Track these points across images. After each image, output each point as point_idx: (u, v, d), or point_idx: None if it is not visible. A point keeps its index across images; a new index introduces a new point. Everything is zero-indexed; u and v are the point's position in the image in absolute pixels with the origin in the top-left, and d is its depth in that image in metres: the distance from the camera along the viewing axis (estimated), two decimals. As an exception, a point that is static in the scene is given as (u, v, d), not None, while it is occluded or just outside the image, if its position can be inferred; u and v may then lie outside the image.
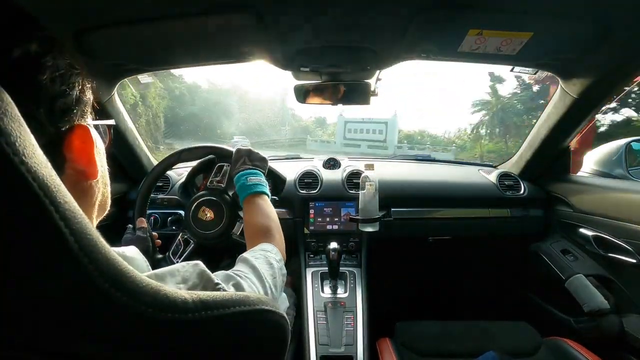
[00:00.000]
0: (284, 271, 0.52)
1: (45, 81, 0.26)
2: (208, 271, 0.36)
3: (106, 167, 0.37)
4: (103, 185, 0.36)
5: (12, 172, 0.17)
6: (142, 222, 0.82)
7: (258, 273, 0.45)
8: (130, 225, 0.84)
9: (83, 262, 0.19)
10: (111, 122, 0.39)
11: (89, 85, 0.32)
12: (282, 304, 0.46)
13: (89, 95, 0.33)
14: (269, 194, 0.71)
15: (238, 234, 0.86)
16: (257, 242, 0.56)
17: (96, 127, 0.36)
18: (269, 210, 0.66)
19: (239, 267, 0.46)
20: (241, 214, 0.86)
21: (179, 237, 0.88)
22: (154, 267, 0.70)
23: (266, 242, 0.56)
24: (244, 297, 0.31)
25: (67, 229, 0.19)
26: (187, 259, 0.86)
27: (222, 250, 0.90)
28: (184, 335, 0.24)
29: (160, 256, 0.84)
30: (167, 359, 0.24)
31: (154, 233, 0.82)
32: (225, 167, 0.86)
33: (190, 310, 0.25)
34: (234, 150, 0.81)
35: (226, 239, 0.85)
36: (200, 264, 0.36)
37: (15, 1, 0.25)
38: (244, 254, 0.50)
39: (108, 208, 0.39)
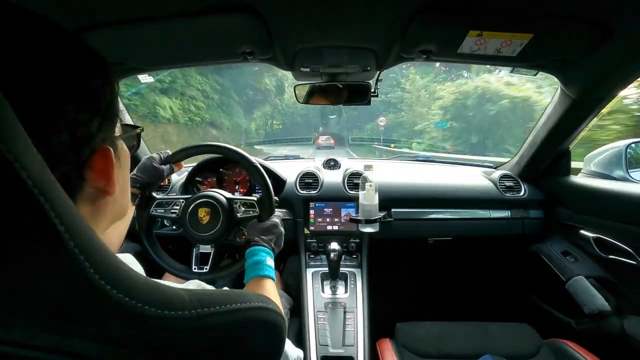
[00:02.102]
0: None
1: (69, 110, 0.25)
2: (209, 285, 0.37)
3: (128, 177, 0.37)
4: (121, 196, 0.35)
5: (7, 169, 0.17)
6: (180, 166, 0.79)
7: None
8: (168, 152, 0.78)
9: (78, 258, 0.19)
10: (139, 128, 0.39)
11: (116, 102, 0.30)
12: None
13: (116, 111, 0.31)
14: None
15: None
16: None
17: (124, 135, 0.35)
18: (276, 297, 0.60)
19: None
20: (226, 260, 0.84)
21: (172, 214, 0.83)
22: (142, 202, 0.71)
23: None
24: (240, 295, 0.31)
25: (63, 226, 0.19)
26: (161, 225, 0.88)
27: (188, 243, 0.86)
28: (181, 332, 0.24)
29: (154, 194, 0.80)
30: (165, 356, 0.24)
31: (171, 176, 0.81)
32: (255, 214, 0.76)
33: (187, 308, 0.25)
34: (275, 214, 0.75)
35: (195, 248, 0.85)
36: (202, 283, 0.37)
37: (15, 1, 0.24)
38: None
39: (126, 214, 0.40)
